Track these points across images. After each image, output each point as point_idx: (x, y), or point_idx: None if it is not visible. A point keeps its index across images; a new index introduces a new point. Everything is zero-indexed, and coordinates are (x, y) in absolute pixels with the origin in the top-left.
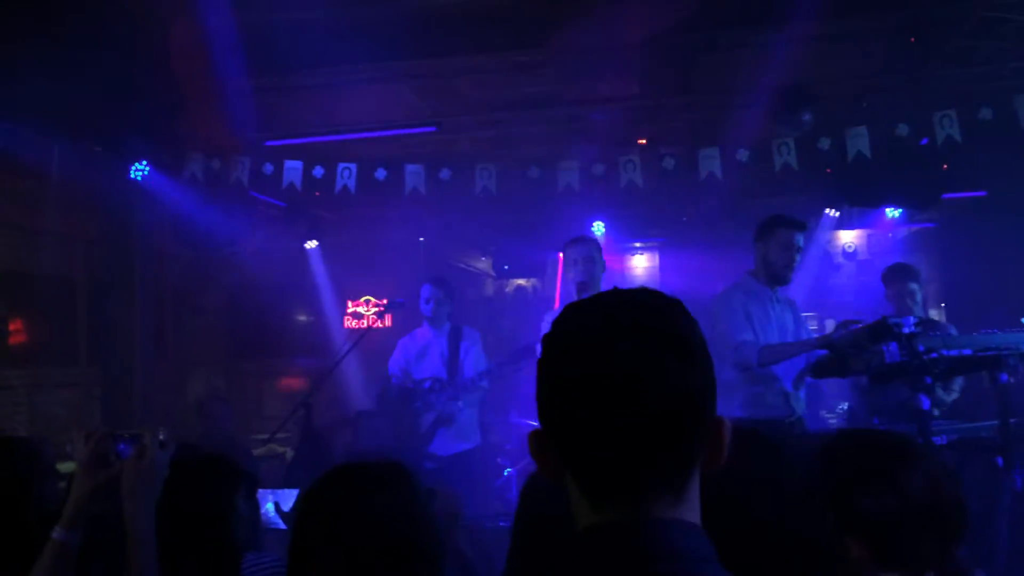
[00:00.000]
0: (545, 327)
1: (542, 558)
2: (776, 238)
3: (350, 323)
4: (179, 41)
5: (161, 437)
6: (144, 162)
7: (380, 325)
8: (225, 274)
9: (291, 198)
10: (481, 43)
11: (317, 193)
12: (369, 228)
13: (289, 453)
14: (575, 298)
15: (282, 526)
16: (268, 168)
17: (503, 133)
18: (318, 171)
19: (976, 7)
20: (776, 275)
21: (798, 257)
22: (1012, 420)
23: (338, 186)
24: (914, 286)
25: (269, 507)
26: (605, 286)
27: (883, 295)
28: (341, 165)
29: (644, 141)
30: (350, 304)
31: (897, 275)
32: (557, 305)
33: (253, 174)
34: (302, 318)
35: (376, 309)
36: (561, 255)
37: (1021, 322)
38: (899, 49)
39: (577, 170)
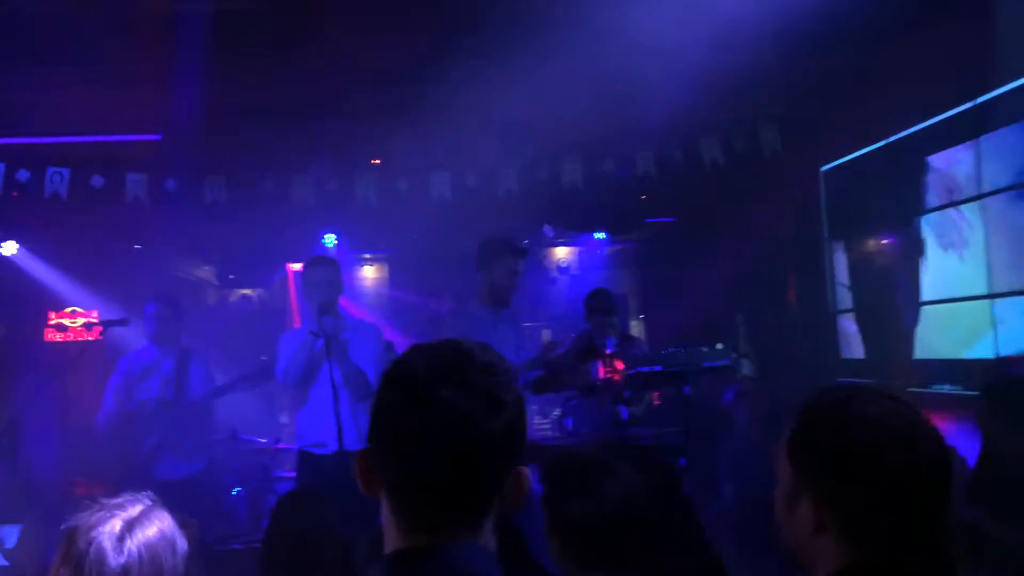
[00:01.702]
0: (284, 346)
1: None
2: (500, 264)
3: (53, 336)
4: None
5: None
6: None
7: (91, 339)
8: None
9: None
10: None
11: (15, 193)
12: (77, 231)
13: None
14: (316, 318)
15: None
16: None
17: (234, 141)
18: (23, 175)
19: None
20: (499, 297)
21: (519, 281)
22: (691, 427)
23: (47, 191)
24: (612, 319)
25: None
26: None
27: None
28: (51, 169)
29: (378, 161)
30: (53, 315)
31: (595, 307)
32: (297, 323)
33: None
34: None
35: (84, 321)
36: (295, 265)
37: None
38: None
39: (311, 185)
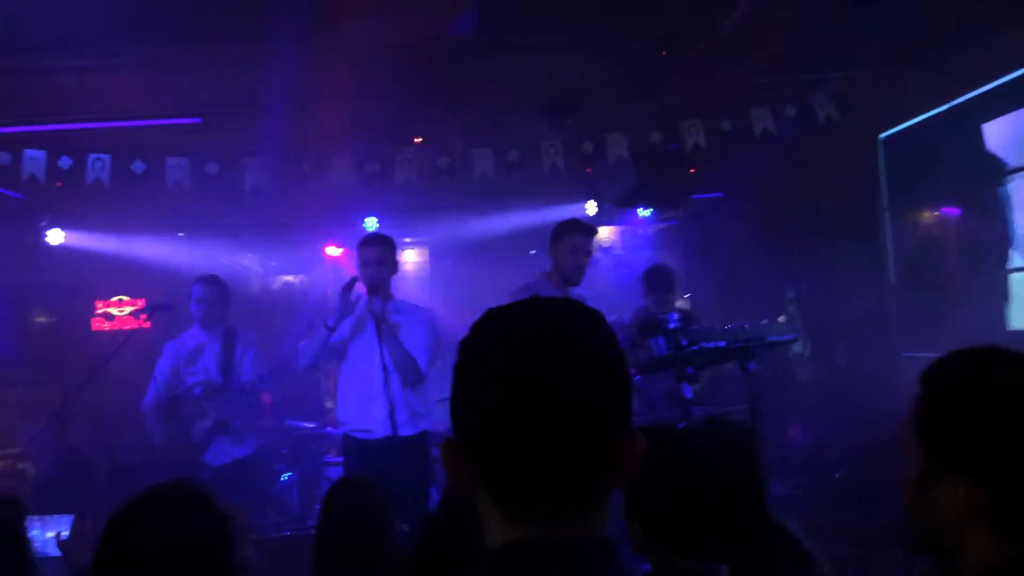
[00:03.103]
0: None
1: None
2: (566, 242)
3: (101, 325)
4: None
5: None
6: None
7: (137, 327)
8: None
9: (30, 189)
10: (255, 33)
11: (59, 184)
12: (121, 220)
13: (31, 469)
14: (365, 298)
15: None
16: (4, 158)
17: (274, 126)
18: (65, 162)
19: (720, 28)
20: (567, 278)
21: (587, 260)
22: (758, 403)
23: (89, 178)
24: (671, 297)
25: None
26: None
27: (640, 291)
28: (92, 156)
29: (420, 140)
30: (100, 305)
31: (654, 285)
32: (331, 302)
33: None
34: (41, 319)
35: (132, 309)
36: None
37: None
38: (652, 61)
39: (352, 166)
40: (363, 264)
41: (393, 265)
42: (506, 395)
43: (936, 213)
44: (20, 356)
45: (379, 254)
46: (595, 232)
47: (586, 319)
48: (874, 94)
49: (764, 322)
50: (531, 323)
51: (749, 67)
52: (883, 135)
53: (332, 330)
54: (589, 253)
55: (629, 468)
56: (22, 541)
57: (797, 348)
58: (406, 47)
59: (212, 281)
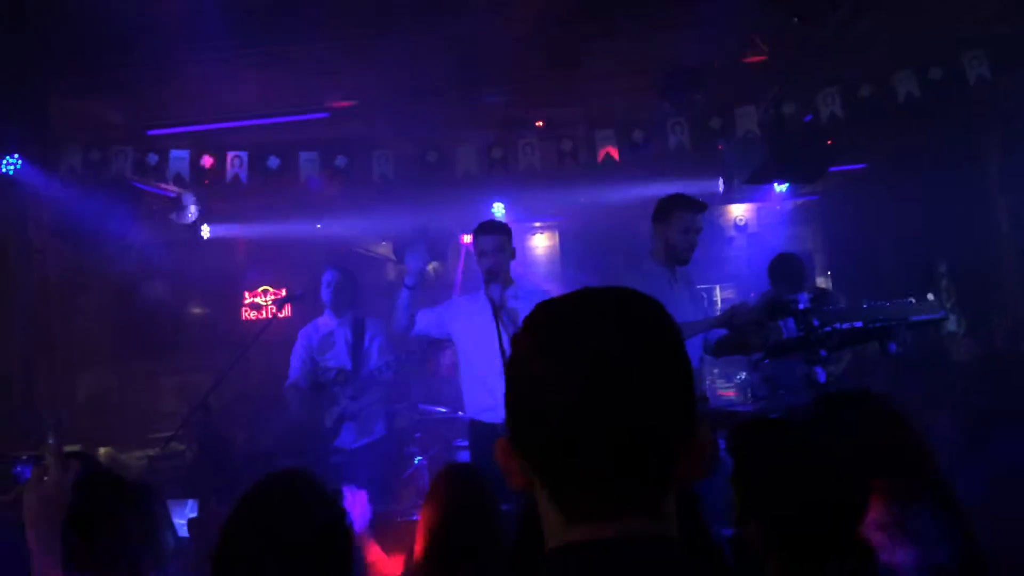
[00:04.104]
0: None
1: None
2: (676, 220)
3: (248, 315)
4: (45, 27)
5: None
6: (16, 155)
7: (280, 316)
8: (112, 268)
9: (180, 188)
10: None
11: (207, 182)
12: (264, 215)
13: (189, 452)
14: (483, 285)
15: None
16: (152, 158)
17: (399, 118)
18: (206, 160)
19: None
20: (676, 257)
21: (697, 239)
22: (901, 388)
23: (228, 175)
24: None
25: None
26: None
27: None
28: (231, 153)
29: (542, 123)
30: (247, 295)
31: (780, 276)
32: (457, 290)
33: (136, 164)
34: (196, 311)
35: (275, 298)
36: (467, 237)
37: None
38: (784, 29)
39: (475, 154)
40: (480, 253)
41: (510, 252)
42: (554, 384)
43: None
44: (178, 344)
45: (495, 242)
46: (706, 207)
47: (644, 310)
48: None
49: (909, 300)
50: (590, 320)
51: (889, 27)
52: None
53: (412, 289)
54: (700, 230)
55: (693, 468)
56: (156, 527)
57: (951, 326)
58: (522, 32)
59: (340, 268)
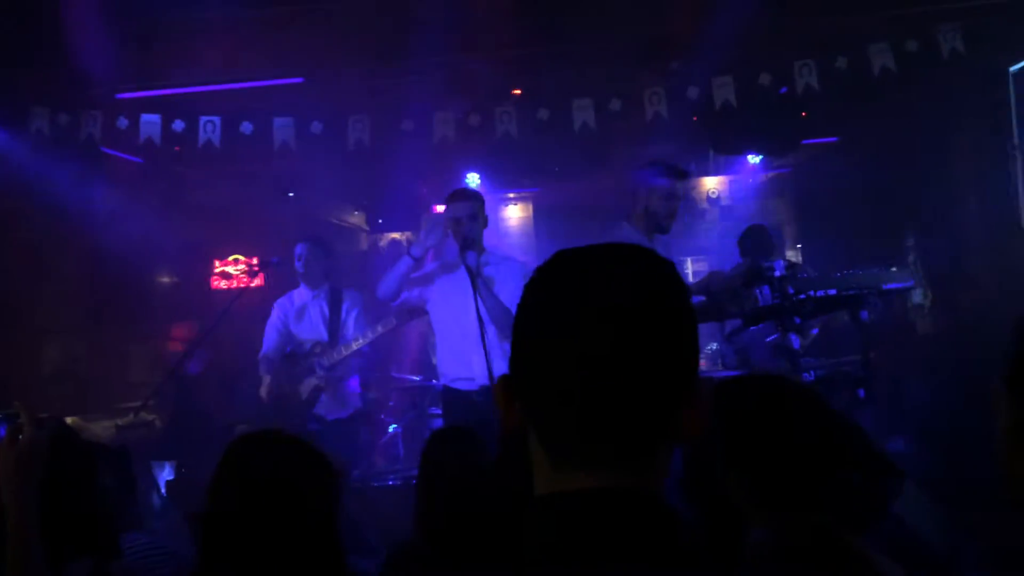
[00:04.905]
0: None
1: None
2: (659, 186)
3: (218, 283)
4: None
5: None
6: None
7: (252, 285)
8: (80, 235)
9: (149, 154)
10: None
11: (177, 148)
12: (233, 183)
13: (159, 421)
14: (455, 252)
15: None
16: (123, 122)
17: (374, 84)
18: (178, 125)
19: None
20: (657, 223)
21: (678, 206)
22: (872, 354)
23: (201, 140)
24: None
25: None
26: (485, 240)
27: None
28: (204, 118)
29: (519, 92)
30: (217, 263)
31: (750, 248)
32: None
33: (106, 129)
34: (165, 279)
35: (245, 268)
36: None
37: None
38: None
39: (453, 121)
40: (454, 220)
41: (483, 220)
42: (557, 328)
43: None
44: (147, 313)
45: (470, 209)
46: (688, 175)
47: (655, 264)
48: (1003, 24)
49: (880, 269)
50: (598, 264)
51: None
52: (1014, 68)
53: (418, 260)
54: (681, 198)
55: (689, 428)
56: (133, 488)
57: (917, 298)
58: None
59: (312, 239)
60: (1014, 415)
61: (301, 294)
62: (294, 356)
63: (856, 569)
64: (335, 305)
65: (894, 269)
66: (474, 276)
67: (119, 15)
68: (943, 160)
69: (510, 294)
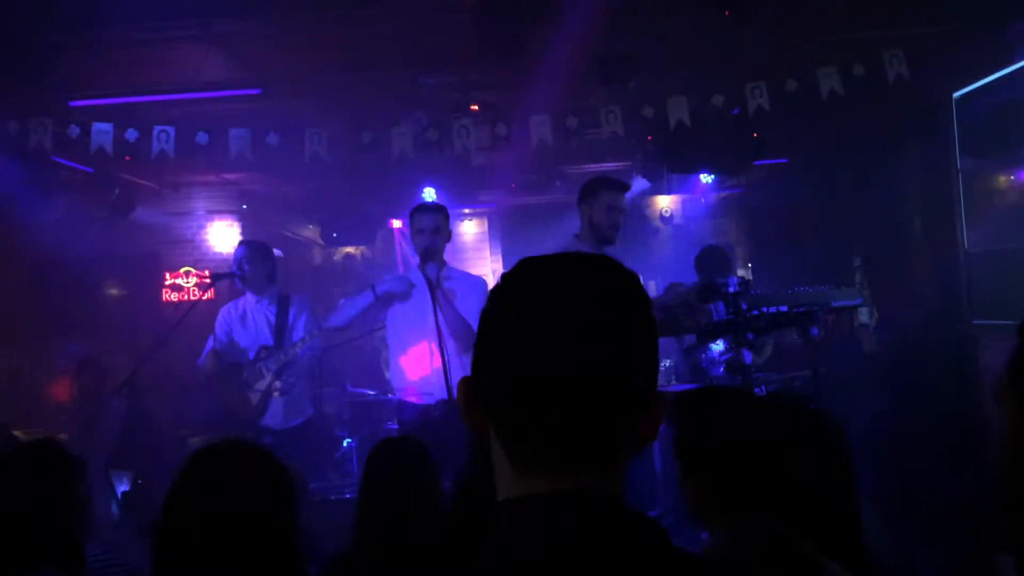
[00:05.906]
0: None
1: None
2: (600, 200)
3: (169, 296)
4: None
5: None
6: None
7: (203, 298)
8: (26, 247)
9: (100, 164)
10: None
11: (128, 158)
12: (187, 195)
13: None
14: (419, 265)
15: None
16: (74, 131)
17: (331, 96)
18: (131, 134)
19: None
20: (602, 236)
21: (621, 218)
22: (821, 370)
23: (154, 150)
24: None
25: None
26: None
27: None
28: (157, 128)
29: (476, 107)
30: (168, 276)
31: (706, 267)
32: (401, 271)
33: (57, 138)
34: (114, 292)
35: (197, 281)
36: (396, 222)
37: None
38: (714, 21)
39: (411, 136)
40: (417, 232)
41: (447, 233)
42: (521, 330)
43: (1012, 176)
44: (95, 325)
45: (434, 221)
46: (628, 188)
47: (619, 273)
48: (947, 51)
49: (829, 287)
50: (561, 269)
51: (815, 24)
52: (958, 94)
53: (379, 300)
54: (623, 210)
55: (646, 433)
56: (81, 500)
57: (864, 317)
58: (460, 11)
59: (252, 243)
60: (1017, 416)
61: (246, 300)
62: (239, 366)
63: (808, 573)
64: (283, 309)
65: (843, 288)
66: (433, 288)
67: (74, 22)
68: (890, 181)
69: (470, 309)
